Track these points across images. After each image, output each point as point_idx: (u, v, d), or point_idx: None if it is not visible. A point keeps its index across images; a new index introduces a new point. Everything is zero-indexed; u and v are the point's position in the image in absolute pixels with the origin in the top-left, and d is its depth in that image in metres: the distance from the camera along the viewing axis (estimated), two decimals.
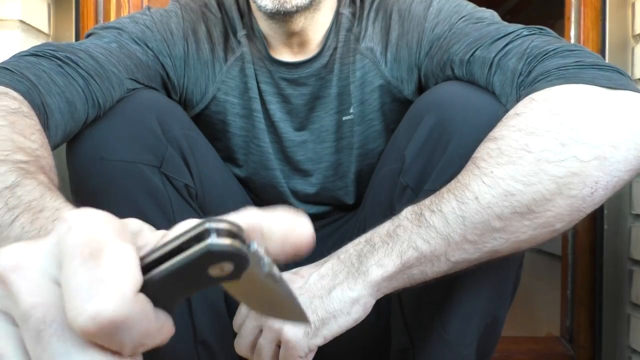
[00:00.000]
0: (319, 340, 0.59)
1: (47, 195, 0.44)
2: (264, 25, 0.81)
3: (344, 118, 0.84)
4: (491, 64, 0.66)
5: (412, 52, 0.80)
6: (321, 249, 0.91)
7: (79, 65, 0.66)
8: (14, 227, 0.42)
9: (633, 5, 1.08)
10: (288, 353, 0.59)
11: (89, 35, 0.77)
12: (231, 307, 0.80)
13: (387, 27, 0.81)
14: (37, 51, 0.66)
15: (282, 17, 0.76)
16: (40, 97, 0.61)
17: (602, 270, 1.12)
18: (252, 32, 0.83)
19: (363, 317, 0.59)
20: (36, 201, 0.43)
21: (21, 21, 0.96)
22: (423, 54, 0.78)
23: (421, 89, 0.81)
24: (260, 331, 0.61)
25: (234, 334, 0.78)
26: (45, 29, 1.05)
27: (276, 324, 0.59)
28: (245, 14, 0.84)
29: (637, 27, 1.06)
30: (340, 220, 0.90)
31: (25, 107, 0.57)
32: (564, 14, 1.19)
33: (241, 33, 0.83)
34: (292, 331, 0.58)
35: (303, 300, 0.60)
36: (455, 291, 0.64)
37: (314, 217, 0.90)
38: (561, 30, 1.11)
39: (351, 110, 0.84)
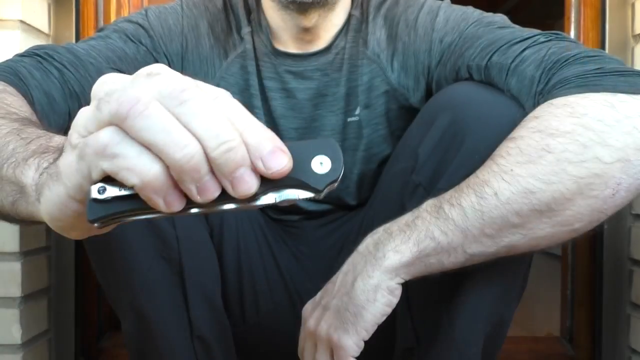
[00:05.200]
0: (363, 334, 0.61)
1: (50, 133, 0.47)
2: (275, 17, 0.81)
3: (348, 119, 0.84)
4: (508, 69, 0.66)
5: (419, 61, 0.80)
6: (324, 246, 0.91)
7: (54, 59, 0.70)
8: (29, 147, 0.44)
9: (633, 5, 1.08)
10: (340, 356, 0.61)
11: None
12: (228, 302, 0.81)
13: (394, 35, 0.81)
14: (22, 53, 0.71)
15: (297, 7, 0.76)
16: (24, 88, 0.64)
17: (602, 270, 1.12)
18: (259, 27, 0.83)
19: (394, 301, 0.61)
20: (44, 133, 0.47)
21: (21, 21, 0.95)
22: (434, 63, 0.78)
23: (429, 97, 0.81)
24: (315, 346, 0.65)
25: (231, 329, 0.78)
26: (45, 29, 1.05)
27: (324, 334, 0.63)
28: (254, 9, 0.84)
29: (637, 27, 1.06)
30: (342, 218, 0.90)
31: (10, 89, 0.62)
32: (564, 14, 1.19)
33: (246, 30, 0.83)
34: (338, 337, 0.61)
35: (335, 302, 0.63)
36: (463, 290, 0.64)
37: (316, 215, 0.90)
38: (561, 30, 1.10)
39: (357, 112, 0.84)
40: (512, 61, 0.66)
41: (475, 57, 0.70)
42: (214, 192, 0.33)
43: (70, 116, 0.69)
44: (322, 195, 0.35)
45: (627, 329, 1.07)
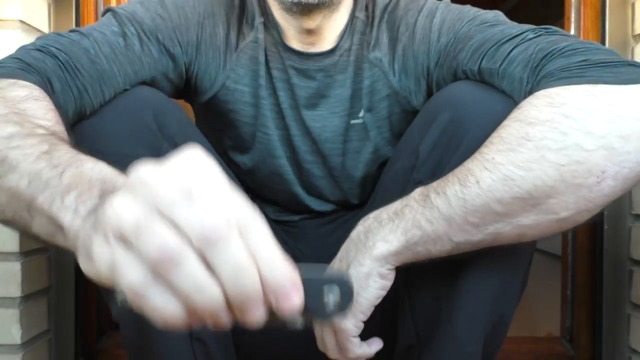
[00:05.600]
0: (360, 317, 0.64)
1: (81, 155, 0.48)
2: (279, 16, 0.81)
3: (352, 121, 0.84)
4: (497, 73, 0.66)
5: (418, 63, 0.80)
6: (324, 245, 0.91)
7: (77, 76, 0.68)
8: (63, 179, 0.45)
9: (633, 5, 1.08)
10: (342, 336, 0.66)
11: (105, 12, 0.78)
12: None
13: (395, 39, 0.82)
14: (42, 46, 0.68)
15: (300, 9, 0.75)
16: (47, 88, 0.64)
17: (602, 270, 1.12)
18: (269, 20, 0.83)
19: (388, 284, 0.63)
20: (74, 158, 0.47)
21: (21, 21, 0.95)
22: (433, 65, 0.78)
23: None
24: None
25: (231, 331, 0.78)
26: (45, 29, 1.05)
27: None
28: (263, 2, 0.84)
29: (637, 27, 1.06)
30: (343, 217, 0.91)
31: (37, 92, 0.60)
32: (564, 14, 1.19)
33: (259, 20, 0.83)
34: (338, 320, 0.64)
35: None
36: (464, 289, 0.65)
37: (319, 214, 0.90)
38: None
39: (360, 115, 0.84)
40: (501, 64, 0.66)
41: (467, 62, 0.71)
42: (226, 325, 0.35)
43: (73, 129, 0.69)
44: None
45: (627, 329, 1.07)
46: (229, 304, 0.34)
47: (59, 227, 0.43)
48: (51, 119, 0.57)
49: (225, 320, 0.35)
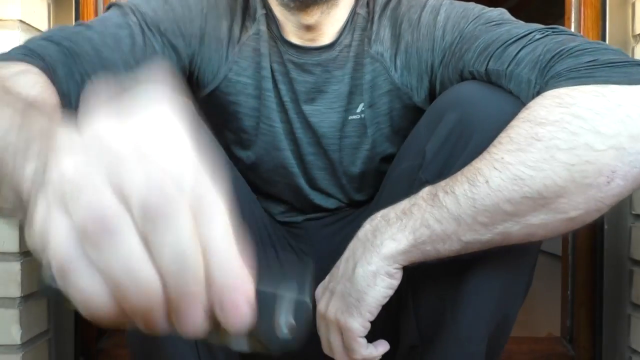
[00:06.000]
0: (367, 316, 0.63)
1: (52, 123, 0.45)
2: (277, 11, 0.81)
3: (349, 117, 0.84)
4: (505, 75, 0.66)
5: (422, 60, 0.80)
6: (329, 246, 0.91)
7: (80, 62, 0.70)
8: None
9: (633, 5, 1.08)
10: (348, 336, 0.64)
11: (109, 7, 0.79)
12: None
13: (397, 34, 0.81)
14: (47, 36, 0.70)
15: (298, 5, 0.76)
16: (49, 73, 0.65)
17: (602, 270, 1.12)
18: (270, 12, 0.83)
19: (395, 283, 0.62)
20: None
21: (21, 21, 0.95)
22: (437, 62, 0.78)
23: (433, 96, 0.81)
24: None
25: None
26: (45, 29, 1.05)
27: (332, 317, 0.66)
28: None
29: (637, 27, 1.06)
30: (348, 217, 0.90)
31: (32, 68, 0.61)
32: (564, 14, 1.19)
33: (261, 12, 0.83)
34: (344, 320, 0.64)
35: (340, 288, 0.65)
36: (469, 288, 0.65)
37: (325, 211, 0.90)
38: None
39: (358, 110, 0.83)
40: (508, 66, 0.65)
41: (474, 63, 0.71)
42: (158, 327, 0.30)
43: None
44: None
45: (627, 329, 1.07)
46: (167, 299, 0.28)
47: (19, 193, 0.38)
48: (38, 90, 0.58)
49: (158, 320, 0.29)
